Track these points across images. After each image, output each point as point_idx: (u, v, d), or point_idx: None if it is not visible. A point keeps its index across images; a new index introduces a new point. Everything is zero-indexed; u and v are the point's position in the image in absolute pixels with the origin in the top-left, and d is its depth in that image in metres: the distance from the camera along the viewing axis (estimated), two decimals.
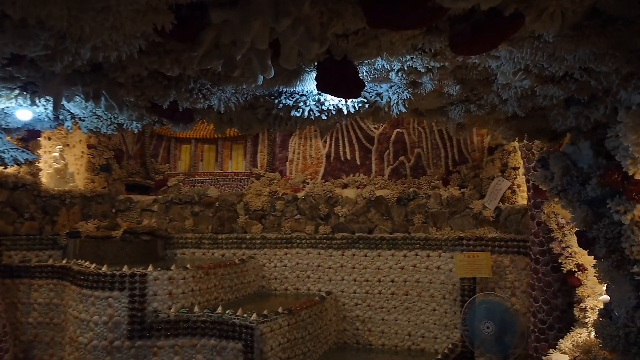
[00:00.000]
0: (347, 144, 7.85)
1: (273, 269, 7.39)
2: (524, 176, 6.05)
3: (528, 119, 3.46)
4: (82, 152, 8.33)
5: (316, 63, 2.37)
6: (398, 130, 7.56)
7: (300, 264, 7.27)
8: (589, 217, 2.82)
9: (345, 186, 7.69)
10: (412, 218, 6.88)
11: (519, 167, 6.09)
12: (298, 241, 7.32)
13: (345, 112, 2.90)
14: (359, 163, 7.81)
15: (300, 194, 7.59)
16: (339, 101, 2.81)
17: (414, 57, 2.33)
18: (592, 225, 2.82)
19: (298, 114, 2.88)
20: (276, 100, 2.87)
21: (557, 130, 3.70)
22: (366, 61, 2.43)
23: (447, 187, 7.01)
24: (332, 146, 7.94)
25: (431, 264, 6.58)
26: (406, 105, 2.97)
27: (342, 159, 7.88)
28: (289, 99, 2.86)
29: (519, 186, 6.08)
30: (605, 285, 2.88)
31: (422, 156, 7.42)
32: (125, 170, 8.82)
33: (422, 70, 2.47)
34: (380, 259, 6.88)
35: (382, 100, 3.01)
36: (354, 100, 2.84)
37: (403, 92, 2.82)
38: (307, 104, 2.81)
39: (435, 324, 6.42)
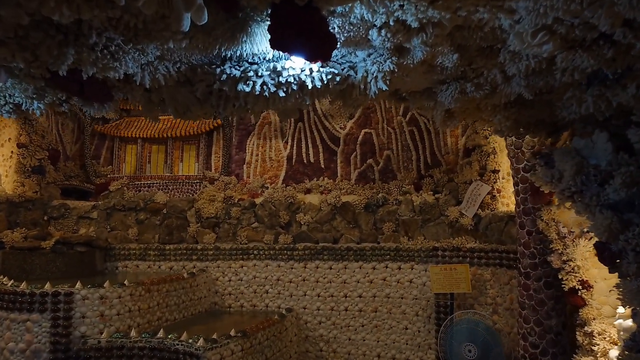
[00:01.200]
0: (310, 145, 7.18)
1: (227, 284, 6.59)
2: (505, 180, 5.57)
3: (529, 106, 2.90)
4: (12, 151, 7.28)
5: (269, 10, 1.68)
6: (366, 130, 6.96)
7: (258, 277, 6.51)
8: (613, 226, 2.25)
9: (308, 191, 7.00)
10: (382, 226, 6.28)
11: (499, 171, 5.60)
12: (255, 252, 6.56)
13: (310, 87, 2.21)
14: (323, 166, 7.14)
15: (258, 200, 6.84)
16: (301, 70, 2.12)
17: (405, 2, 1.68)
18: (617, 235, 2.25)
19: (247, 89, 2.17)
20: (218, 70, 2.15)
21: (558, 123, 3.17)
22: (339, 9, 1.76)
23: (419, 192, 6.45)
24: (294, 147, 7.24)
25: (403, 277, 5.97)
26: (387, 81, 2.31)
27: (305, 161, 7.20)
28: (236, 68, 2.15)
29: (499, 191, 5.58)
30: (632, 309, 2.30)
31: (391, 159, 6.85)
32: (62, 172, 7.79)
33: (414, 25, 1.82)
34: (347, 271, 6.23)
35: (356, 75, 2.35)
36: (321, 70, 2.16)
37: (385, 61, 2.17)
38: (260, 74, 2.11)
39: (407, 344, 5.80)
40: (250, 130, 7.46)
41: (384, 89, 2.34)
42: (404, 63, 2.22)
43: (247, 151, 7.45)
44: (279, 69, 2.09)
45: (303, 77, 2.13)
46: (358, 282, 6.16)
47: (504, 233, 5.10)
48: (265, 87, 2.17)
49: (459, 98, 2.59)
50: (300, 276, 6.37)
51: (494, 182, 5.58)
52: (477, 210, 5.55)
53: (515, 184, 4.16)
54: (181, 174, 7.65)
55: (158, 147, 7.84)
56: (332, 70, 2.19)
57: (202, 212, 6.87)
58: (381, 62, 2.19)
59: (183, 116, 2.69)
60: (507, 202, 5.67)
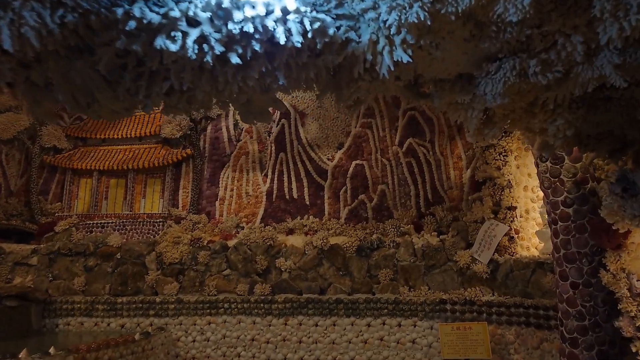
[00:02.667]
0: (293, 178, 6.24)
1: (190, 345, 5.42)
2: (523, 218, 4.66)
3: (603, 109, 2.03)
4: None
5: None
6: (357, 162, 6.06)
7: (228, 337, 5.37)
8: None
9: (290, 232, 5.99)
10: (377, 273, 5.27)
11: (515, 207, 4.70)
12: (226, 305, 5.45)
13: (285, 49, 1.28)
14: (308, 203, 6.17)
15: (231, 242, 5.80)
16: (268, 13, 1.19)
17: None
18: None
19: (174, 47, 1.22)
20: (121, 12, 1.22)
21: (629, 137, 2.30)
22: None
23: (420, 233, 5.50)
24: (275, 181, 6.28)
25: (404, 336, 4.91)
26: (409, 49, 1.41)
27: (287, 197, 6.23)
28: (154, 10, 1.22)
29: (517, 232, 4.66)
30: None
31: (387, 194, 5.92)
32: (3, 210, 6.66)
33: None
34: (336, 329, 5.14)
35: (360, 39, 1.44)
36: (302, 14, 1.24)
37: (411, 5, 1.26)
38: (194, 20, 1.17)
39: None
40: (225, 161, 6.50)
41: (405, 60, 1.42)
42: (442, 11, 1.32)
43: (220, 185, 6.46)
44: (227, 6, 1.16)
45: (271, 26, 1.20)
46: (350, 342, 5.07)
47: (530, 284, 4.13)
48: (205, 45, 1.23)
49: (513, 86, 1.70)
50: (280, 335, 5.25)
51: (511, 221, 4.66)
52: (493, 254, 4.59)
53: (553, 222, 3.24)
54: (142, 212, 6.58)
55: (117, 181, 6.80)
56: (321, 18, 1.27)
57: (164, 257, 5.77)
58: (404, 8, 1.29)
59: (87, 111, 1.72)
60: (527, 244, 4.75)
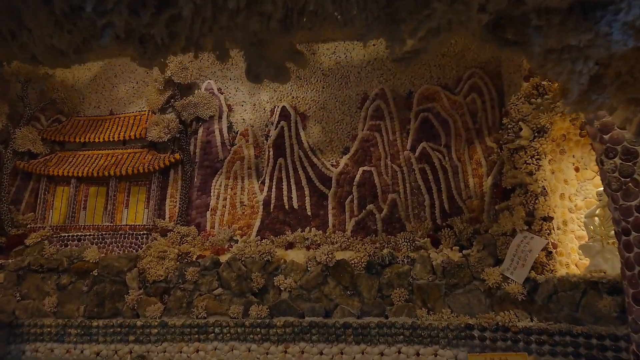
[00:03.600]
0: (293, 186, 5.61)
1: None
2: (561, 230, 4.06)
3: None
4: None
5: None
6: (365, 168, 5.46)
7: None
8: None
9: (290, 246, 5.34)
10: (390, 294, 4.62)
11: (552, 218, 4.10)
12: (217, 330, 4.76)
13: None
14: (310, 213, 5.54)
15: (224, 257, 5.13)
16: None
17: None
18: None
19: None
20: None
21: None
22: None
23: (438, 247, 4.88)
24: (273, 190, 5.65)
25: None
26: None
27: (287, 207, 5.59)
28: None
29: (555, 246, 4.05)
30: None
31: (398, 204, 5.31)
32: None
33: None
34: (344, 358, 4.46)
35: None
36: None
37: None
38: None
39: None
40: (218, 167, 5.86)
41: None
42: None
43: (212, 194, 5.81)
44: None
45: None
46: None
47: (580, 307, 3.51)
48: None
49: None
50: None
51: (548, 234, 4.06)
52: (529, 272, 3.98)
53: (624, 232, 2.64)
54: (124, 224, 5.90)
55: (97, 189, 6.13)
56: None
57: (148, 274, 5.09)
58: None
59: (10, 46, 1.09)
60: (567, 261, 4.14)
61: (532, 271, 3.99)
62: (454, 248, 4.73)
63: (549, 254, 4.04)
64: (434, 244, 4.94)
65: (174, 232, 5.66)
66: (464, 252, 4.63)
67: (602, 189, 4.05)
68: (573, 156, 4.37)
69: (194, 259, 5.18)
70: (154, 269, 5.11)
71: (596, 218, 3.94)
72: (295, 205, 5.57)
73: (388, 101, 5.51)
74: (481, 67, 5.37)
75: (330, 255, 4.86)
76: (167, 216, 5.87)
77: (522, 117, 4.31)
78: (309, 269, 4.91)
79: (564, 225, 4.23)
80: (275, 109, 5.81)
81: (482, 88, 5.29)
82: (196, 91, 5.93)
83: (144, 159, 5.99)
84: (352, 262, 4.87)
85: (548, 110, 4.10)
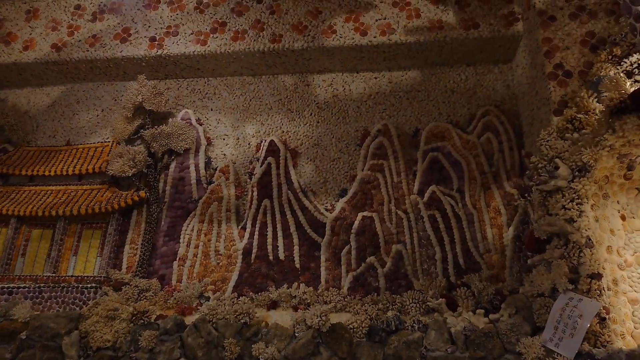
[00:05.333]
0: (280, 233, 4.74)
1: None
2: (612, 292, 3.30)
3: None
4: None
5: None
6: (365, 214, 4.67)
7: None
8: None
9: (274, 305, 4.38)
10: None
11: (601, 275, 3.34)
12: None
13: None
14: (299, 266, 4.63)
15: (190, 319, 4.12)
16: None
17: None
18: None
19: None
20: None
21: None
22: None
23: (457, 310, 4.01)
24: (256, 236, 4.75)
25: None
26: None
27: (271, 257, 4.67)
28: None
29: (607, 311, 3.26)
30: None
31: (404, 257, 4.48)
32: None
33: None
34: None
35: None
36: None
37: None
38: None
39: None
40: (190, 208, 4.96)
41: None
42: None
43: (181, 240, 4.86)
44: None
45: None
46: None
47: None
48: None
49: None
50: None
51: (598, 295, 3.29)
52: (582, 343, 3.14)
53: None
54: (70, 275, 4.83)
55: (42, 232, 5.08)
56: None
57: (91, 339, 4.01)
58: None
59: None
60: (621, 330, 3.33)
61: (585, 342, 3.16)
62: (478, 312, 3.88)
63: (602, 320, 3.24)
64: (450, 306, 4.07)
65: (130, 285, 4.62)
66: (491, 316, 3.78)
67: None
68: (617, 202, 3.71)
69: (152, 320, 4.14)
70: (100, 333, 4.03)
71: None
72: (282, 255, 4.66)
73: (392, 138, 4.86)
74: (496, 105, 4.83)
75: (323, 318, 3.91)
76: (124, 266, 4.84)
77: (557, 154, 3.68)
78: (296, 334, 3.94)
79: (615, 285, 3.47)
80: (262, 144, 5.06)
81: (497, 127, 4.71)
82: (170, 120, 5.15)
83: (102, 196, 5.05)
84: (351, 326, 3.94)
85: (591, 144, 3.49)
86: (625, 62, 3.65)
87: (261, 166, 4.96)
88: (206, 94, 5.38)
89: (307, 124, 5.15)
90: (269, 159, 4.96)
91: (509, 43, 4.69)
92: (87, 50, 5.23)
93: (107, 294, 4.52)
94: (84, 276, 4.80)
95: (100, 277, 4.74)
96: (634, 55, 3.61)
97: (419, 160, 4.78)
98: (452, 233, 4.50)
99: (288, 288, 4.51)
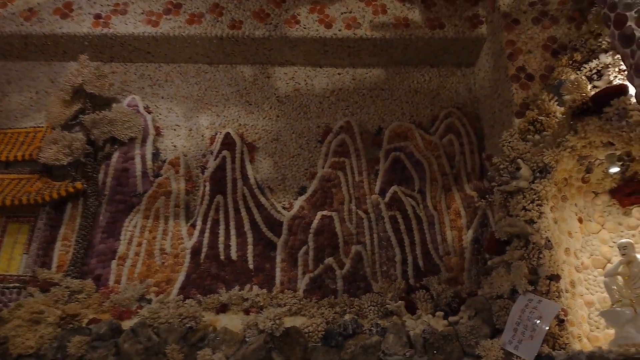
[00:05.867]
0: (233, 231, 4.43)
1: None
2: (570, 294, 3.29)
3: None
4: None
5: None
6: (324, 213, 4.46)
7: None
8: None
9: (223, 308, 4.07)
10: None
11: (559, 277, 3.31)
12: None
13: None
14: (252, 267, 4.34)
15: (128, 323, 3.72)
16: None
17: None
18: None
19: None
20: None
21: None
22: None
23: (416, 313, 3.88)
24: (206, 234, 4.41)
25: None
26: None
27: (223, 257, 4.35)
28: None
29: (565, 313, 3.24)
30: None
31: (364, 258, 4.31)
32: None
33: None
34: None
35: None
36: None
37: None
38: None
39: None
40: (134, 203, 4.54)
41: None
42: None
43: (122, 237, 4.42)
44: None
45: None
46: None
47: None
48: None
49: None
50: None
51: (557, 297, 3.26)
52: (541, 345, 3.08)
53: None
54: None
55: None
56: None
57: (11, 345, 3.52)
58: None
59: None
60: (578, 332, 3.32)
61: (545, 344, 3.11)
62: (436, 314, 3.76)
63: (560, 322, 3.21)
64: (408, 308, 3.93)
65: (60, 286, 4.12)
66: (450, 319, 3.67)
67: (625, 240, 3.40)
68: (575, 205, 3.74)
69: (83, 325, 3.70)
70: (22, 338, 3.55)
71: (619, 277, 3.23)
72: (234, 255, 4.35)
73: (354, 136, 4.70)
74: (458, 108, 4.81)
75: (277, 322, 3.66)
76: (54, 265, 4.33)
77: (519, 155, 3.66)
78: (247, 339, 3.65)
79: (572, 287, 3.47)
80: (217, 136, 4.74)
81: (460, 129, 4.68)
82: (114, 105, 4.72)
83: (32, 187, 4.52)
84: (306, 330, 3.70)
85: (552, 145, 3.49)
86: (585, 68, 3.71)
87: (215, 159, 4.64)
88: (157, 80, 5.00)
89: (267, 118, 4.90)
90: (224, 152, 4.64)
91: (472, 46, 4.69)
92: (22, 25, 4.72)
93: (33, 295, 4.01)
94: (7, 275, 4.25)
95: (26, 276, 4.21)
96: (594, 61, 3.68)
97: (381, 160, 4.65)
98: (412, 235, 4.39)
99: (240, 290, 4.20)
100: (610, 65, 3.53)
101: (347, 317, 3.86)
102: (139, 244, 4.40)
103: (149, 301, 4.16)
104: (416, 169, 4.57)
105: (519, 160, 3.63)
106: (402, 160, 4.61)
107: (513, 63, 4.06)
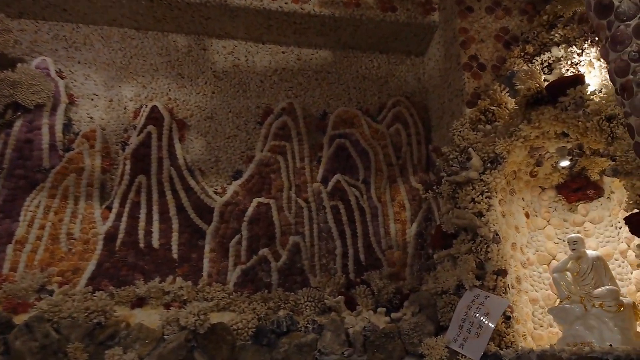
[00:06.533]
0: (156, 216, 3.92)
1: None
2: (515, 289, 3.17)
3: None
4: None
5: None
6: (260, 200, 4.08)
7: None
8: None
9: (139, 302, 3.56)
10: None
11: (506, 272, 3.18)
12: None
13: None
14: (176, 256, 3.86)
15: (22, 317, 3.12)
16: None
17: None
18: None
19: None
20: None
21: None
22: None
23: (356, 310, 3.60)
24: (124, 218, 3.87)
25: None
26: None
27: (142, 245, 3.83)
28: None
29: (512, 309, 3.10)
30: None
31: (302, 250, 3.98)
32: None
33: None
34: None
35: None
36: None
37: None
38: None
39: None
40: (38, 179, 3.89)
41: None
42: None
43: (21, 218, 3.76)
44: None
45: None
46: None
47: None
48: None
49: None
50: None
51: (503, 293, 3.11)
52: (488, 343, 2.91)
53: None
54: None
55: None
56: None
57: None
58: None
59: None
60: (523, 330, 3.19)
61: (491, 342, 2.94)
62: (378, 310, 3.51)
63: (507, 319, 3.06)
64: (349, 305, 3.65)
65: None
66: (393, 315, 3.43)
67: (575, 234, 3.32)
68: (522, 199, 3.64)
69: None
70: None
71: (568, 273, 3.13)
72: (156, 243, 3.84)
73: (297, 119, 4.35)
74: (406, 97, 4.62)
75: (201, 317, 3.21)
76: None
77: (470, 145, 3.50)
78: (165, 336, 3.19)
79: (518, 284, 3.34)
80: (142, 110, 4.20)
81: (407, 119, 4.49)
82: (19, 65, 4.04)
83: None
84: (235, 327, 3.30)
85: (504, 135, 3.35)
86: (537, 60, 3.63)
87: (138, 135, 4.10)
88: (73, 42, 4.36)
89: (201, 94, 4.42)
90: (150, 127, 4.12)
91: (423, 33, 4.52)
92: None
93: None
94: None
95: None
96: (545, 53, 3.61)
97: (325, 146, 4.34)
98: (354, 226, 4.12)
99: (161, 282, 3.71)
100: (562, 59, 3.47)
101: (281, 313, 3.52)
102: (42, 227, 3.77)
103: (51, 293, 3.55)
104: (361, 158, 4.31)
105: (470, 149, 3.46)
106: (347, 147, 4.33)
107: (465, 51, 3.92)
